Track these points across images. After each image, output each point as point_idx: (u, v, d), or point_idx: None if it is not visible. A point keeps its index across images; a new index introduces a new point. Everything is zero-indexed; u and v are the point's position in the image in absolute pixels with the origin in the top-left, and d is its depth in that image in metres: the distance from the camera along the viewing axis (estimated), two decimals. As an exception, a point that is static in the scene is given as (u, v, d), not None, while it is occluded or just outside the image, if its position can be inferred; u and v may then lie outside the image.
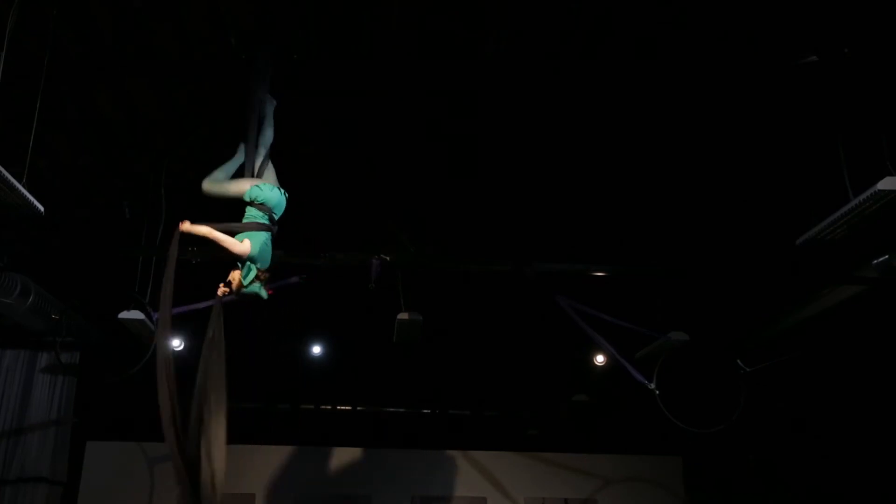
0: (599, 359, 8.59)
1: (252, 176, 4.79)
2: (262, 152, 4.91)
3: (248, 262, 4.58)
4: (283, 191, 4.78)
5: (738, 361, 7.14)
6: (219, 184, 4.81)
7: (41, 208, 4.50)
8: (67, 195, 6.39)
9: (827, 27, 4.65)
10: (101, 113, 5.58)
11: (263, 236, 4.61)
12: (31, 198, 4.38)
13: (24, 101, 4.75)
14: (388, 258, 5.85)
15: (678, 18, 4.72)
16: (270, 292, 4.74)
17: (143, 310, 6.37)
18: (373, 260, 5.83)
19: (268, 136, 4.94)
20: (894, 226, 4.84)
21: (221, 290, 4.63)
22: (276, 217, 4.70)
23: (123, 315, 6.35)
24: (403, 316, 6.77)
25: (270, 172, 4.89)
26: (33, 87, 4.64)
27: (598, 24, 4.81)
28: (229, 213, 4.78)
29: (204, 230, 4.47)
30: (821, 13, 4.55)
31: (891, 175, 4.29)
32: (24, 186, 4.31)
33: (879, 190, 4.26)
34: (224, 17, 4.73)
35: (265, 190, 4.67)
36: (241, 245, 4.52)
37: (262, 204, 4.63)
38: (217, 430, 4.24)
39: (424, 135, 6.02)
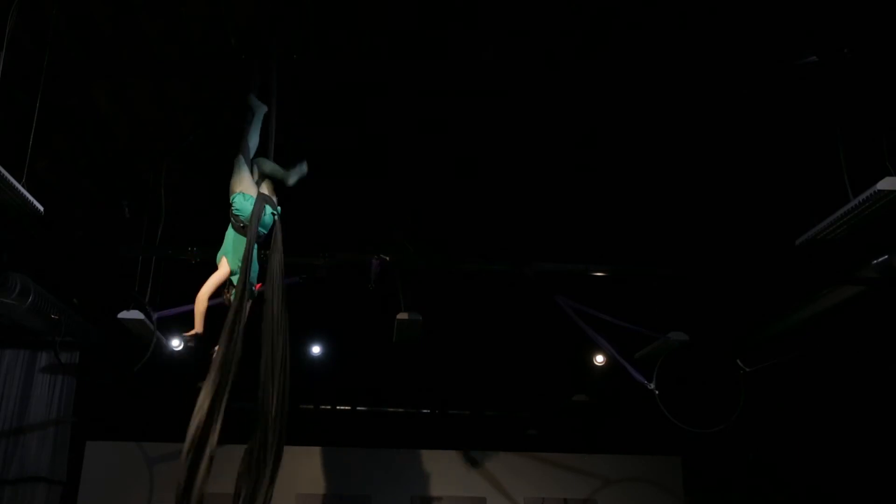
0: (599, 359, 8.60)
1: (251, 179, 4.75)
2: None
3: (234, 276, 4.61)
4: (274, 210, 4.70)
5: (738, 361, 7.15)
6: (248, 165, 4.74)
7: (41, 208, 4.49)
8: (67, 195, 6.38)
9: (827, 27, 4.65)
10: (101, 113, 5.58)
11: (241, 242, 4.57)
12: (31, 198, 4.38)
13: (24, 101, 4.75)
14: (388, 258, 5.85)
15: (678, 18, 4.72)
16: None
17: (142, 310, 6.37)
18: (373, 260, 5.83)
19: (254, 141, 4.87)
20: (894, 226, 4.84)
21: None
22: (259, 230, 4.57)
23: (123, 315, 6.34)
24: (403, 316, 6.77)
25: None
26: (33, 87, 4.64)
27: (597, 24, 4.81)
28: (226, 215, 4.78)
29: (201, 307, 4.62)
30: (821, 13, 4.56)
31: (891, 175, 4.29)
32: (23, 186, 4.30)
33: (879, 190, 4.26)
34: (224, 17, 4.73)
35: (247, 201, 4.60)
36: (221, 271, 4.60)
37: (236, 216, 4.60)
38: None
39: (424, 135, 6.02)
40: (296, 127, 5.68)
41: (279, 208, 4.71)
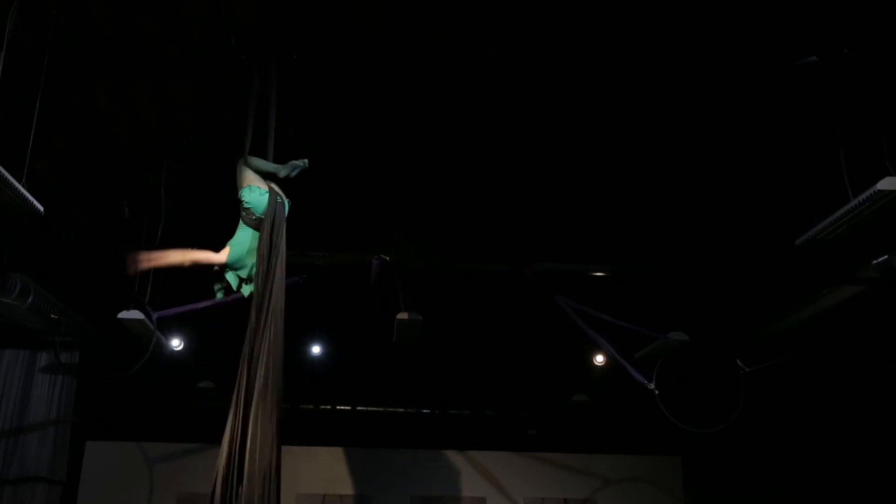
0: (599, 359, 8.60)
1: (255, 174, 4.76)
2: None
3: (229, 269, 4.65)
4: (282, 200, 4.71)
5: (738, 361, 7.15)
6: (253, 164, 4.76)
7: (41, 208, 4.49)
8: (67, 195, 6.38)
9: (827, 27, 4.65)
10: (101, 113, 5.58)
11: (248, 237, 4.61)
12: (31, 198, 4.38)
13: (24, 101, 4.75)
14: (388, 258, 5.85)
15: (678, 18, 4.72)
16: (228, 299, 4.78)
17: (142, 310, 6.37)
18: (373, 260, 5.83)
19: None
20: (894, 226, 4.84)
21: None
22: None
23: (123, 315, 6.34)
24: (403, 316, 6.77)
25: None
26: (33, 87, 4.64)
27: (597, 24, 4.81)
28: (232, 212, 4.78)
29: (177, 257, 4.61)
30: (821, 13, 4.56)
31: (891, 175, 4.28)
32: (23, 186, 4.30)
33: (879, 190, 4.26)
34: (224, 17, 4.73)
35: (254, 192, 4.62)
36: (216, 255, 4.62)
37: (248, 209, 4.62)
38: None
39: (424, 135, 6.02)
40: (296, 127, 5.69)
41: (288, 200, 4.71)
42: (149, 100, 5.51)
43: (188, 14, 4.71)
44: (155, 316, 6.39)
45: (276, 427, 4.11)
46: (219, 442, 4.13)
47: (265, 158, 4.83)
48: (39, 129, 4.61)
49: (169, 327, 7.44)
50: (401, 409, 9.32)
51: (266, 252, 4.45)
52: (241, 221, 4.68)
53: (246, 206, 4.61)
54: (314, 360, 8.70)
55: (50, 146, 5.72)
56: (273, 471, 4.03)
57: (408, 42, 5.00)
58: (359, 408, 9.27)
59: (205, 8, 4.65)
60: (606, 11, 4.69)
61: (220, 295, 4.77)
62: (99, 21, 4.72)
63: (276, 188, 4.68)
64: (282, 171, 4.74)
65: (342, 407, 9.26)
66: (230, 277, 4.71)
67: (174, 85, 5.40)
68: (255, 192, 4.61)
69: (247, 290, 4.73)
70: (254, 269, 4.62)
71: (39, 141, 4.67)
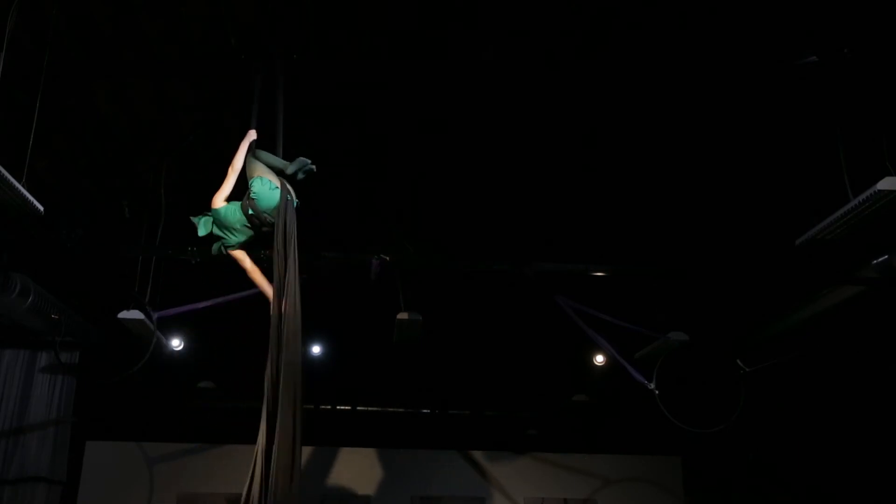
0: (599, 359, 8.60)
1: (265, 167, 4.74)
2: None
3: (206, 215, 4.66)
4: (292, 198, 4.65)
5: (738, 361, 7.15)
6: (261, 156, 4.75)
7: (41, 208, 4.49)
8: (67, 195, 6.38)
9: (827, 27, 4.66)
10: (101, 113, 5.58)
11: (236, 220, 4.58)
12: (31, 198, 4.38)
13: (24, 101, 4.75)
14: (388, 258, 5.85)
15: (678, 18, 4.72)
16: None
17: (142, 310, 6.37)
18: (373, 260, 5.83)
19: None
20: (894, 226, 4.84)
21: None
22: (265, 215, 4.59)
23: (123, 315, 6.35)
24: (403, 316, 6.78)
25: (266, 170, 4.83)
26: (33, 87, 4.64)
27: (597, 24, 4.82)
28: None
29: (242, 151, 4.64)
30: (821, 13, 4.56)
31: (891, 175, 4.29)
32: (23, 186, 4.30)
33: (879, 190, 4.26)
34: (224, 17, 4.73)
35: (264, 185, 4.56)
36: (220, 194, 4.58)
37: (253, 200, 4.55)
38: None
39: (424, 135, 6.02)
40: (296, 127, 5.68)
41: (297, 200, 4.69)
42: (149, 100, 5.51)
43: (188, 14, 4.71)
44: (155, 316, 6.39)
45: (300, 426, 4.10)
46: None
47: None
48: (39, 129, 4.61)
49: (169, 327, 7.44)
50: (401, 409, 9.33)
51: (281, 249, 4.40)
52: (239, 205, 4.60)
53: (252, 196, 4.54)
54: (314, 360, 8.70)
55: (50, 146, 5.72)
56: (296, 470, 4.04)
57: (408, 42, 5.00)
58: (359, 408, 9.27)
59: (205, 8, 4.65)
60: (606, 11, 4.69)
61: (200, 225, 4.73)
62: (99, 21, 4.72)
63: (287, 185, 4.63)
64: (290, 167, 4.71)
65: (342, 407, 9.26)
66: (201, 221, 4.70)
67: (174, 85, 5.40)
68: (266, 185, 4.53)
69: (215, 247, 4.72)
70: (230, 239, 4.64)
71: (39, 141, 4.68)
